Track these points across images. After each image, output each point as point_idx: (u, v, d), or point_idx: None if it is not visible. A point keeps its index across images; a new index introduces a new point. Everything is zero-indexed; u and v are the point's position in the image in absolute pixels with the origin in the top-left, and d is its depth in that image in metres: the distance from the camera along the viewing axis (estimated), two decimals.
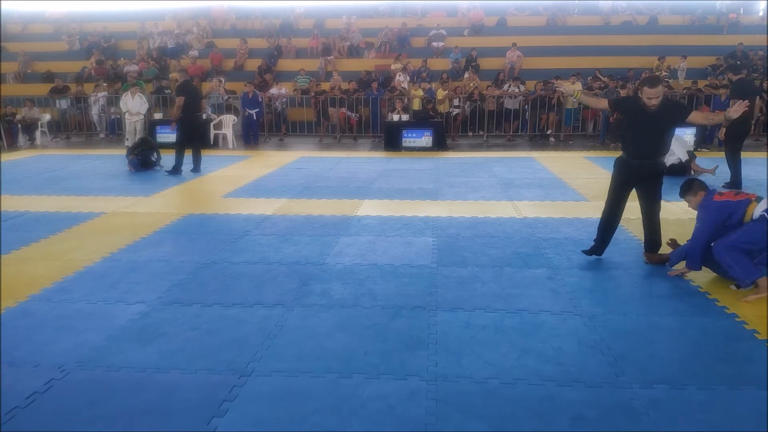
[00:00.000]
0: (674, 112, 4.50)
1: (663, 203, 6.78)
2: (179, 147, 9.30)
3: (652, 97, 4.35)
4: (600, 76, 14.68)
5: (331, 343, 3.40)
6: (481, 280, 4.40)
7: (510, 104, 13.74)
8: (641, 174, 4.60)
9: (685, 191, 4.51)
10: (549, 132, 13.65)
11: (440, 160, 10.62)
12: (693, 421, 2.64)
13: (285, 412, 2.73)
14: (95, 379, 3.02)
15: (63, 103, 14.92)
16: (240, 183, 8.36)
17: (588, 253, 4.88)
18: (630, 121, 4.63)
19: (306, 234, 5.69)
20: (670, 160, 8.79)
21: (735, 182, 7.65)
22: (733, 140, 7.68)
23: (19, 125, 13.28)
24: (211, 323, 3.68)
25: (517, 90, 13.83)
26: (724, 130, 7.60)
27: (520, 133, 13.89)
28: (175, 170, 9.15)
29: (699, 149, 11.17)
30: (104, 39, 19.22)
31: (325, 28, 19.57)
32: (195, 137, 9.51)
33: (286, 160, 10.61)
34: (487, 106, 13.64)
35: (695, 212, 4.42)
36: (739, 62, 15.81)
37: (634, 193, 4.81)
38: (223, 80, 14.95)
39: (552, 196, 7.28)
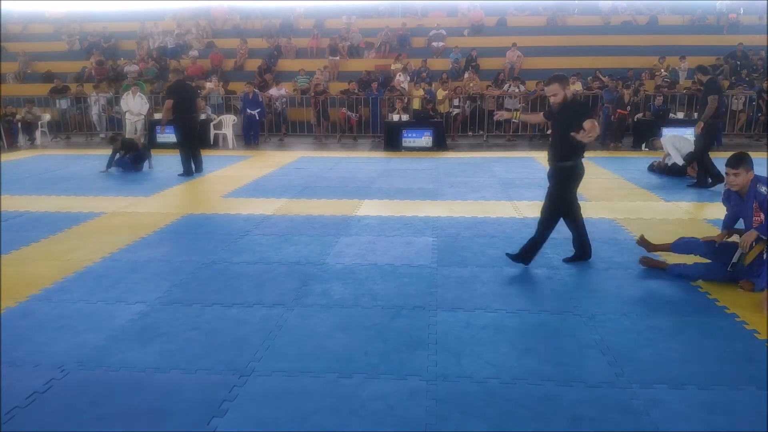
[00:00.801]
0: (571, 115, 4.30)
1: (663, 203, 6.77)
2: (181, 148, 9.21)
3: (547, 95, 4.37)
4: (600, 76, 14.68)
5: (331, 343, 3.40)
6: (481, 280, 4.40)
7: (510, 104, 13.74)
8: (549, 178, 4.59)
9: (740, 162, 4.00)
10: (549, 132, 13.63)
11: (440, 160, 10.61)
12: (693, 421, 2.64)
13: (285, 412, 2.73)
14: (95, 379, 3.02)
15: (63, 103, 14.93)
16: (240, 183, 8.36)
17: (571, 260, 4.77)
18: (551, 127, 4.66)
19: (306, 234, 5.69)
20: (670, 161, 8.80)
21: (717, 178, 7.72)
22: (706, 139, 7.79)
23: (19, 125, 13.28)
24: (211, 323, 3.68)
25: (517, 90, 13.83)
26: (701, 124, 7.75)
27: (520, 133, 13.89)
28: (186, 173, 9.02)
29: None
30: (104, 39, 19.23)
31: (325, 28, 19.57)
32: (193, 138, 9.36)
33: (286, 160, 10.61)
34: (487, 106, 13.64)
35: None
36: (739, 62, 15.84)
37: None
38: (214, 79, 14.95)
39: None
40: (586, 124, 4.07)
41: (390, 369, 3.10)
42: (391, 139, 12.11)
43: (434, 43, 18.11)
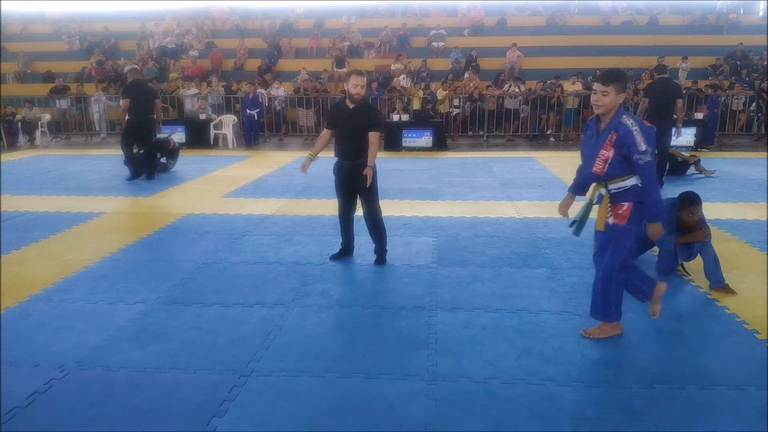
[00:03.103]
0: (367, 116, 4.55)
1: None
2: (123, 147, 8.59)
3: (356, 83, 4.45)
4: None
5: (331, 343, 3.40)
6: (481, 280, 4.40)
7: (510, 104, 13.75)
8: (349, 176, 4.69)
9: (612, 79, 3.21)
10: (549, 132, 13.66)
11: (440, 160, 10.61)
12: (693, 421, 2.64)
13: (285, 412, 2.73)
14: (95, 379, 3.02)
15: (63, 103, 14.93)
16: (240, 183, 8.36)
17: (337, 256, 4.90)
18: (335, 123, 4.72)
19: (306, 234, 5.69)
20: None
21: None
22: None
23: (19, 125, 13.28)
24: (211, 323, 3.68)
25: (517, 90, 13.84)
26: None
27: (520, 133, 13.89)
28: (133, 175, 8.52)
29: (699, 149, 11.18)
30: (104, 39, 19.22)
31: (325, 28, 19.56)
32: (147, 141, 8.63)
33: (286, 160, 10.61)
34: (487, 106, 13.64)
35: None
36: (739, 62, 15.83)
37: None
38: (214, 79, 14.96)
39: (552, 196, 7.27)
40: (372, 136, 4.47)
41: (390, 369, 3.10)
42: (391, 139, 12.11)
43: (434, 43, 18.10)
